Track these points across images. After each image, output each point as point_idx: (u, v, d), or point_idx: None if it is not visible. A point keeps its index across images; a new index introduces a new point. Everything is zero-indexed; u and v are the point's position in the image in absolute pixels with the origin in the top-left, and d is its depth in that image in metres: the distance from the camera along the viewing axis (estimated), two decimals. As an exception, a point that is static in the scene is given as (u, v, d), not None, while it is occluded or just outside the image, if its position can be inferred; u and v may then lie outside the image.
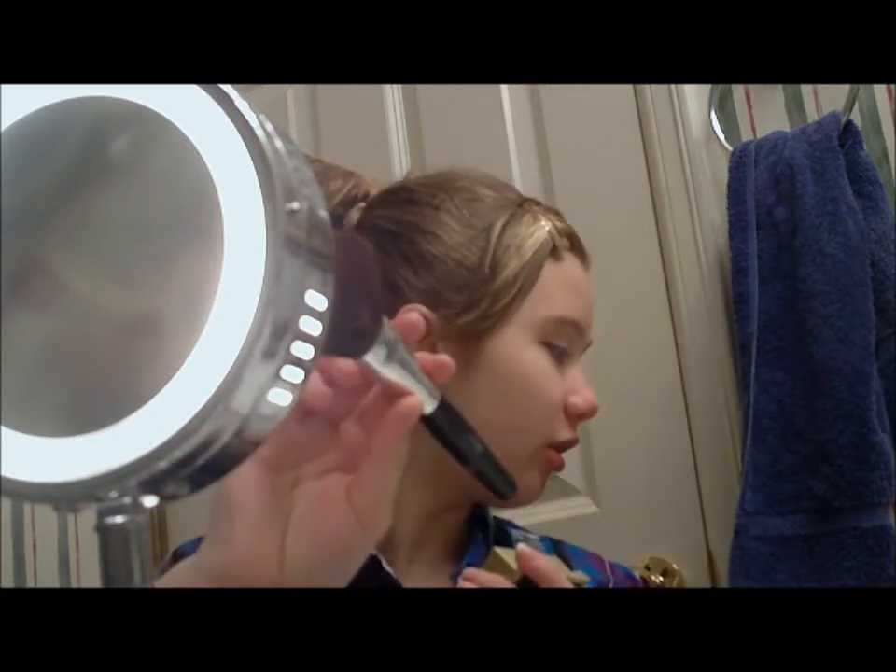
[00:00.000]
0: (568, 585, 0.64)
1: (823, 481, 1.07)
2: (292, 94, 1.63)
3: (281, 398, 0.29)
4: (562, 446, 0.70)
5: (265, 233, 0.28)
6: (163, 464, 0.27)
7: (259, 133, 0.29)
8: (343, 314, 0.34)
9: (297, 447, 0.43)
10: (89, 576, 1.59)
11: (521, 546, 0.64)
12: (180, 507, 1.45)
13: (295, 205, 0.28)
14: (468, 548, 0.72)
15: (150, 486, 0.28)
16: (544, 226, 0.71)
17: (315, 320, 0.29)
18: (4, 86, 0.32)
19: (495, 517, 0.77)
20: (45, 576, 1.74)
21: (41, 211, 0.31)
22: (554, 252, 0.70)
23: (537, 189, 1.34)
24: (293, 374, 0.29)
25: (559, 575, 0.64)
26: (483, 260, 0.68)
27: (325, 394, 0.43)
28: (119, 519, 0.28)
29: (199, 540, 0.70)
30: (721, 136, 1.27)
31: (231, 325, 0.27)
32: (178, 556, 0.70)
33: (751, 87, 1.28)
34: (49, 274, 0.30)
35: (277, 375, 0.28)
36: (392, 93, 1.52)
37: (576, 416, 0.70)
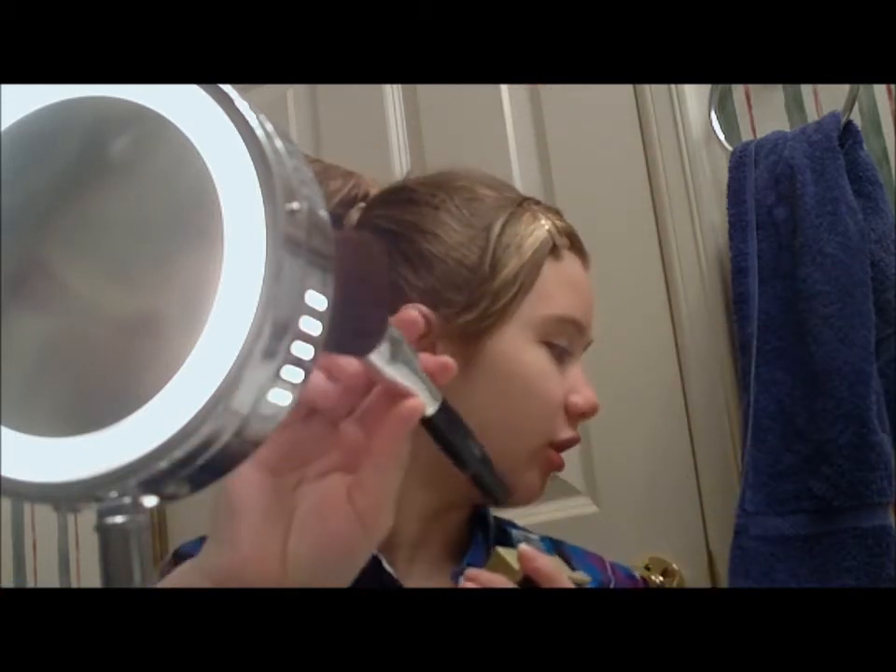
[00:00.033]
0: (570, 586, 0.64)
1: (823, 481, 1.07)
2: (292, 94, 1.63)
3: (281, 398, 0.29)
4: (562, 445, 0.70)
5: (265, 233, 0.28)
6: (163, 464, 0.27)
7: (259, 132, 0.29)
8: (349, 312, 0.34)
9: (298, 448, 0.43)
10: (89, 576, 1.59)
11: (523, 546, 0.64)
12: (180, 507, 1.45)
13: (295, 205, 0.28)
14: (468, 548, 0.72)
15: (150, 486, 0.28)
16: (544, 225, 0.71)
17: (314, 320, 0.29)
18: (4, 86, 0.32)
19: (495, 517, 0.77)
20: (45, 576, 1.74)
21: (41, 211, 0.31)
22: (554, 251, 0.70)
23: (537, 188, 1.34)
24: (293, 374, 0.29)
25: (561, 575, 0.64)
26: (483, 259, 0.68)
27: (329, 391, 0.43)
28: (119, 519, 0.28)
29: (199, 540, 0.70)
30: (721, 136, 1.27)
31: (231, 325, 0.27)
32: (178, 556, 0.70)
33: (751, 87, 1.28)
34: (48, 274, 0.30)
35: (277, 375, 0.28)
36: (392, 93, 1.52)
37: (576, 415, 0.70)
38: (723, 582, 1.15)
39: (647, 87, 1.30)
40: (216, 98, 0.30)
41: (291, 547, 0.42)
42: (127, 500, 0.28)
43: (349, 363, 0.42)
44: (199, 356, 0.27)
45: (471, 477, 0.49)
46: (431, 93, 1.47)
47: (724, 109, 1.29)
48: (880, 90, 1.19)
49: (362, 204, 0.73)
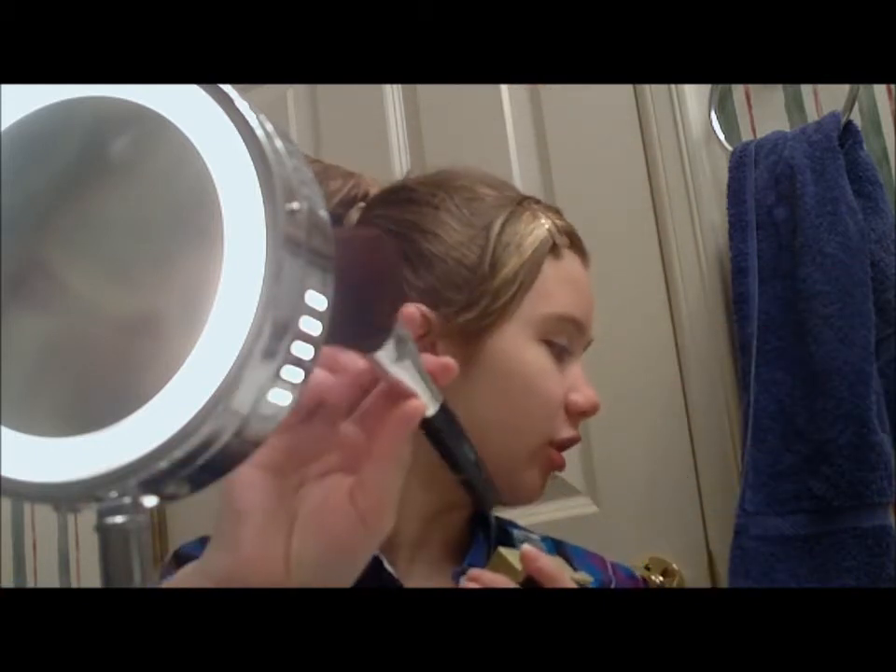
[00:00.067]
0: (573, 586, 0.64)
1: (823, 481, 1.07)
2: (292, 94, 1.63)
3: (281, 398, 0.29)
4: (563, 444, 0.70)
5: (265, 233, 0.28)
6: (163, 464, 0.27)
7: (259, 132, 0.29)
8: (360, 307, 0.35)
9: (300, 449, 0.43)
10: (89, 576, 1.59)
11: (525, 547, 0.64)
12: (180, 507, 1.45)
13: (295, 205, 0.28)
14: (469, 548, 0.72)
15: (150, 486, 0.28)
16: (544, 224, 0.71)
17: (314, 320, 0.29)
18: (4, 86, 0.32)
19: (496, 517, 0.77)
20: (45, 576, 1.74)
21: (41, 211, 0.31)
22: (554, 250, 0.70)
23: (537, 188, 1.34)
24: (293, 374, 0.29)
25: (563, 576, 0.64)
26: (483, 259, 0.68)
27: (337, 387, 0.43)
28: (119, 519, 0.28)
29: (200, 541, 0.70)
30: (721, 136, 1.27)
31: (231, 325, 0.27)
32: (179, 557, 0.70)
33: (751, 87, 1.28)
34: (49, 274, 0.30)
35: (277, 375, 0.28)
36: (392, 93, 1.52)
37: (577, 414, 0.70)
38: (723, 582, 1.15)
39: (647, 87, 1.30)
40: (216, 98, 0.30)
41: (294, 548, 0.42)
42: (127, 500, 0.28)
43: (355, 360, 0.42)
44: (199, 356, 0.27)
45: (463, 481, 0.49)
46: (431, 93, 1.47)
47: (724, 109, 1.29)
48: (880, 90, 1.19)
49: (362, 204, 0.73)
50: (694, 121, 1.28)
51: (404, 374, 0.41)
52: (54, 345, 0.30)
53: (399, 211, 0.71)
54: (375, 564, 0.66)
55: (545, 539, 0.79)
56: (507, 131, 1.41)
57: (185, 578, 0.46)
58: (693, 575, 1.21)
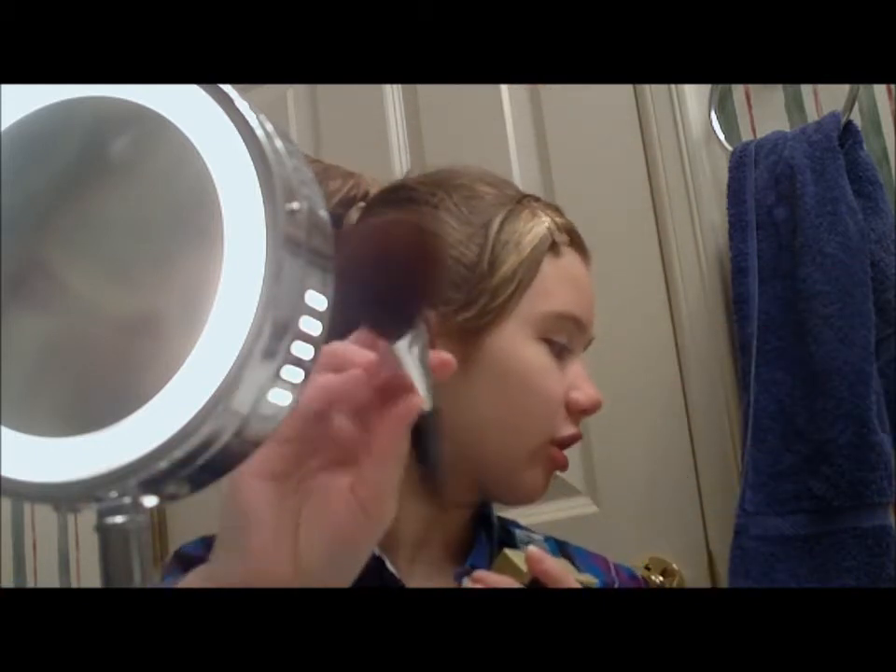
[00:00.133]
0: (578, 588, 0.64)
1: (823, 481, 1.07)
2: (292, 94, 1.63)
3: (281, 398, 0.29)
4: (564, 442, 0.70)
5: (265, 233, 0.28)
6: (163, 464, 0.27)
7: (259, 133, 0.29)
8: (398, 295, 0.35)
9: (302, 452, 0.44)
10: (89, 576, 1.59)
11: (531, 548, 0.64)
12: (180, 507, 1.45)
13: (295, 205, 0.28)
14: (471, 548, 0.72)
15: (150, 486, 0.28)
16: (543, 221, 0.71)
17: (314, 320, 0.29)
18: (4, 86, 0.32)
19: (498, 517, 0.77)
20: (45, 576, 1.74)
21: (41, 211, 0.31)
22: (554, 247, 0.70)
23: (537, 188, 1.34)
24: (293, 374, 0.29)
25: (569, 577, 0.63)
26: (482, 257, 0.68)
27: (346, 388, 0.43)
28: (119, 519, 0.28)
29: (201, 541, 0.70)
30: (721, 136, 1.27)
31: (231, 325, 0.27)
32: (179, 557, 0.70)
33: (751, 87, 1.28)
34: (49, 274, 0.30)
35: (277, 375, 0.28)
36: (392, 93, 1.52)
37: (578, 412, 0.70)
38: (723, 582, 1.15)
39: (647, 87, 1.30)
40: (216, 98, 0.30)
41: (301, 548, 0.43)
42: (127, 500, 0.28)
43: (361, 354, 0.43)
44: (199, 356, 0.27)
45: (423, 474, 0.49)
46: (431, 93, 1.47)
47: (724, 109, 1.29)
48: (880, 90, 1.19)
49: (362, 204, 0.73)
50: (694, 121, 1.28)
51: (411, 366, 0.41)
52: (54, 345, 0.30)
53: (399, 210, 0.71)
54: (377, 564, 0.66)
55: (548, 539, 0.79)
56: (507, 131, 1.41)
57: (192, 583, 0.46)
58: (692, 575, 1.21)
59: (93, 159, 0.31)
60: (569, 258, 0.72)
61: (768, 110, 1.26)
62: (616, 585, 0.76)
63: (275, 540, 0.42)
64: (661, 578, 1.21)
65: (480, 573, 0.63)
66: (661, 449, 1.25)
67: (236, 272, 0.28)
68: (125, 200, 0.30)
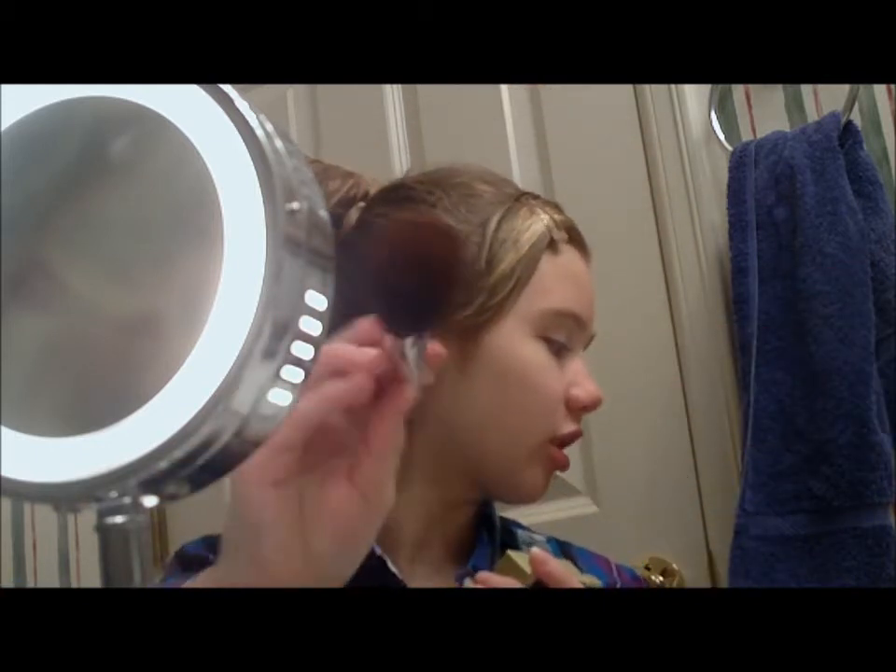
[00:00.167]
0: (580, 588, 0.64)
1: (823, 481, 1.07)
2: (292, 94, 1.63)
3: (281, 398, 0.29)
4: (564, 440, 0.69)
5: (265, 233, 0.28)
6: (163, 464, 0.27)
7: (259, 132, 0.29)
8: (423, 298, 0.36)
9: (300, 456, 0.44)
10: (89, 576, 1.59)
11: (535, 550, 0.63)
12: (180, 507, 1.45)
13: (295, 205, 0.28)
14: (473, 549, 0.72)
15: (150, 486, 0.28)
16: (542, 219, 0.70)
17: (314, 320, 0.29)
18: (4, 86, 0.32)
19: (501, 517, 0.77)
20: (45, 576, 1.74)
21: (41, 211, 0.31)
22: (552, 245, 0.70)
23: (537, 188, 1.33)
24: (293, 374, 0.29)
25: (572, 579, 0.63)
26: (480, 255, 0.68)
27: (353, 391, 0.44)
28: (119, 519, 0.28)
29: (203, 540, 0.70)
30: (721, 136, 1.27)
31: (231, 325, 0.27)
32: (181, 557, 0.70)
33: (751, 87, 1.28)
34: (49, 274, 0.30)
35: (277, 375, 0.28)
36: (392, 93, 1.52)
37: (578, 409, 0.70)
38: (723, 582, 1.15)
39: (647, 87, 1.30)
40: (216, 98, 0.30)
41: (308, 543, 0.44)
42: (127, 500, 0.28)
43: (364, 353, 0.43)
44: (199, 356, 0.27)
45: None
46: (431, 93, 1.47)
47: (724, 109, 1.29)
48: (880, 90, 1.19)
49: (362, 204, 0.73)
50: (694, 121, 1.28)
51: (411, 359, 0.42)
52: (54, 345, 0.30)
53: (397, 209, 0.71)
54: (379, 564, 0.66)
55: (550, 539, 0.79)
56: (507, 131, 1.41)
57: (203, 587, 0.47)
58: (692, 575, 1.21)
59: (93, 159, 0.31)
60: (568, 255, 0.71)
61: (768, 110, 1.27)
62: (618, 586, 0.76)
63: (287, 546, 0.43)
64: (661, 578, 1.21)
65: (483, 574, 0.62)
66: (661, 449, 1.25)
67: (236, 272, 0.28)
68: (125, 200, 0.30)
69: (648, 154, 1.30)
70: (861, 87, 1.17)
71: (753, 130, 1.27)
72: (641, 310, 1.28)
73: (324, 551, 0.44)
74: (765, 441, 1.12)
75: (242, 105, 0.29)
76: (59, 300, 0.30)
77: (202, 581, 0.48)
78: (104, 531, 0.28)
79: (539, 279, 0.69)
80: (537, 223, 0.70)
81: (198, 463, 0.27)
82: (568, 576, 0.63)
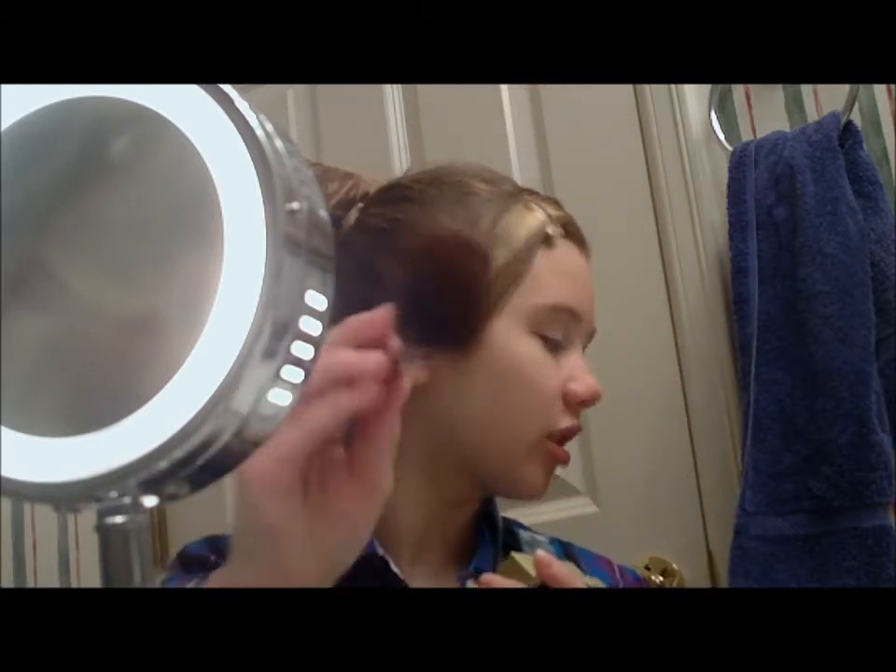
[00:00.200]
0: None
1: (823, 481, 1.07)
2: (292, 94, 1.63)
3: (281, 398, 0.29)
4: (563, 435, 0.69)
5: (265, 233, 0.28)
6: (163, 464, 0.27)
7: (259, 133, 0.29)
8: (461, 309, 0.37)
9: (309, 462, 0.45)
10: (89, 576, 1.59)
11: (539, 552, 0.63)
12: (180, 507, 1.45)
13: (295, 205, 0.28)
14: (475, 550, 0.71)
15: (150, 486, 0.28)
16: (536, 215, 0.70)
17: (314, 320, 0.29)
18: (4, 86, 0.32)
19: (503, 517, 0.76)
20: (45, 576, 1.74)
21: (41, 211, 0.31)
22: (547, 240, 0.69)
23: (536, 188, 1.33)
24: (293, 374, 0.29)
25: (577, 582, 0.63)
26: None
27: (364, 402, 0.45)
28: (119, 519, 0.28)
29: (205, 541, 0.70)
30: (721, 136, 1.27)
31: (231, 325, 0.27)
32: (184, 557, 0.70)
33: (751, 87, 1.28)
34: (49, 274, 0.30)
35: (277, 375, 0.28)
36: (392, 93, 1.52)
37: (577, 403, 0.69)
38: (723, 582, 1.15)
39: (647, 87, 1.30)
40: (216, 98, 0.30)
41: (322, 545, 0.45)
42: (127, 500, 0.28)
43: (371, 360, 0.44)
44: (199, 356, 0.27)
45: None
46: (431, 93, 1.47)
47: (724, 109, 1.29)
48: (880, 90, 1.19)
49: (361, 205, 0.73)
50: (694, 121, 1.28)
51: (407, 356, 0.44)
52: (54, 345, 0.30)
53: (393, 209, 0.71)
54: (381, 564, 0.66)
55: (553, 540, 0.78)
56: (507, 131, 1.41)
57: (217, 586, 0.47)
58: (692, 575, 1.21)
59: (93, 159, 0.31)
60: (564, 249, 0.71)
61: (768, 110, 1.27)
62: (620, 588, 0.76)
63: (302, 551, 0.44)
64: (661, 578, 1.21)
65: (487, 576, 0.62)
66: (661, 449, 1.25)
67: (236, 272, 0.28)
68: (125, 200, 0.30)
69: (648, 154, 1.30)
70: (861, 87, 1.17)
71: (753, 130, 1.27)
72: (641, 310, 1.28)
73: (333, 546, 0.45)
74: (765, 440, 1.12)
75: (242, 104, 0.29)
76: (59, 300, 0.30)
77: (213, 583, 0.48)
78: (104, 531, 0.28)
79: (533, 275, 0.68)
80: (531, 219, 0.70)
81: (198, 463, 0.27)
82: (573, 579, 0.62)
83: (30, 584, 1.74)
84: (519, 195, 0.71)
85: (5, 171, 0.31)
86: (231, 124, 0.29)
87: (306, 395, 0.42)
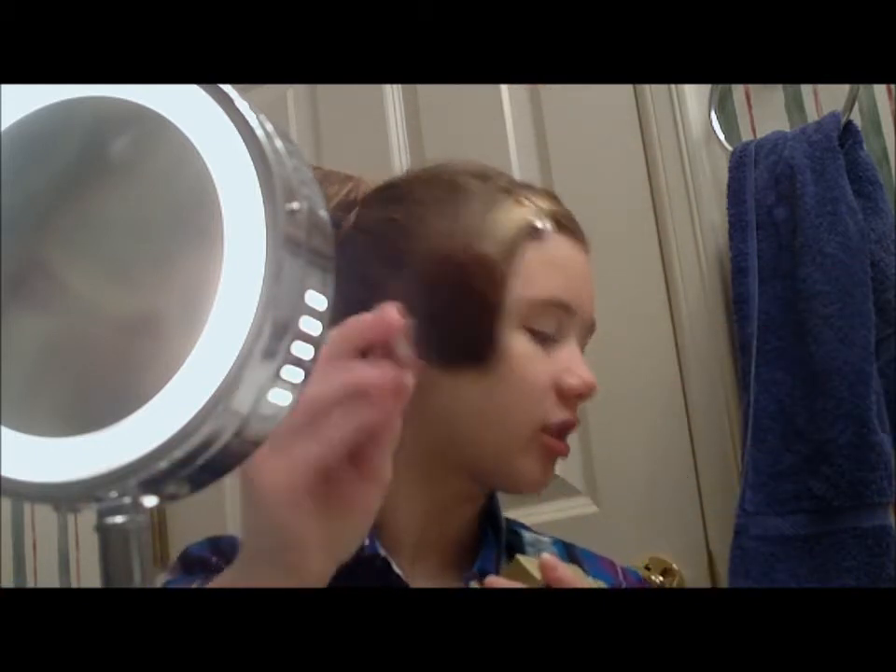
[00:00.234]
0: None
1: (823, 481, 1.07)
2: (292, 94, 1.63)
3: (281, 398, 0.29)
4: (557, 429, 0.68)
5: (265, 233, 0.28)
6: (163, 464, 0.27)
7: (259, 133, 0.29)
8: (472, 325, 0.38)
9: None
10: (89, 576, 1.59)
11: (545, 556, 0.62)
12: (180, 507, 1.45)
13: (295, 205, 0.28)
14: (478, 550, 0.71)
15: (150, 486, 0.28)
16: (524, 209, 0.69)
17: (314, 320, 0.29)
18: (4, 86, 0.32)
19: (506, 518, 0.76)
20: (45, 576, 1.74)
21: (41, 211, 0.31)
22: (535, 233, 0.68)
23: (537, 188, 1.34)
24: (293, 374, 0.29)
25: (582, 585, 0.63)
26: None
27: (384, 416, 0.46)
28: (119, 519, 0.28)
29: (208, 541, 0.70)
30: (721, 136, 1.27)
31: (231, 325, 0.27)
32: (186, 558, 0.70)
33: (751, 87, 1.28)
34: (49, 274, 0.30)
35: (277, 375, 0.28)
36: (392, 93, 1.52)
37: (572, 397, 0.68)
38: (723, 582, 1.15)
39: (647, 87, 1.30)
40: (216, 98, 0.30)
41: (335, 543, 0.46)
42: (127, 500, 0.28)
43: (388, 374, 0.45)
44: (199, 356, 0.27)
45: None
46: (431, 93, 1.47)
47: (724, 109, 1.29)
48: (880, 90, 1.19)
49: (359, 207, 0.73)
50: (694, 121, 1.28)
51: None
52: (54, 345, 0.30)
53: (384, 210, 0.71)
54: (384, 565, 0.66)
55: (556, 542, 0.78)
56: (507, 131, 1.41)
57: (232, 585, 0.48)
58: (692, 575, 1.21)
59: (93, 159, 0.31)
60: (555, 242, 0.70)
61: (768, 110, 1.27)
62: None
63: (319, 551, 0.45)
64: (661, 578, 1.21)
65: (492, 579, 0.62)
66: (661, 449, 1.25)
67: (236, 272, 0.28)
68: (125, 200, 0.30)
69: (648, 154, 1.30)
70: (861, 87, 1.17)
71: (753, 130, 1.27)
72: (641, 310, 1.28)
73: (343, 541, 0.46)
74: (765, 441, 1.12)
75: (242, 104, 0.29)
76: (59, 300, 0.30)
77: (221, 583, 0.48)
78: (104, 531, 0.28)
79: (521, 269, 0.67)
80: (518, 213, 0.69)
81: (198, 463, 0.27)
82: (578, 582, 0.62)
83: (30, 584, 1.74)
84: (511, 190, 0.71)
85: (5, 171, 0.31)
86: (231, 124, 0.29)
87: (326, 407, 0.43)
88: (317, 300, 0.29)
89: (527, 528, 0.78)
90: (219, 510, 1.42)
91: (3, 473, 0.29)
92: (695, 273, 1.25)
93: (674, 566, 1.22)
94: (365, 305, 0.46)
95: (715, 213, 1.25)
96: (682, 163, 1.27)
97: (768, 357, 1.14)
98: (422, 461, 0.68)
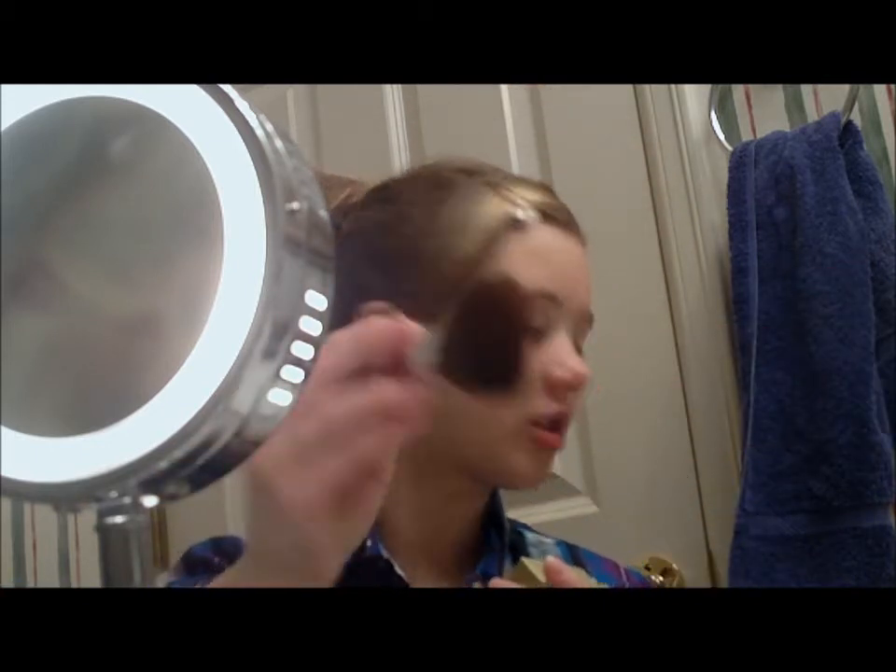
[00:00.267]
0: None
1: (823, 481, 1.07)
2: (292, 94, 1.63)
3: (281, 398, 0.29)
4: (549, 421, 0.67)
5: (265, 233, 0.28)
6: (163, 464, 0.27)
7: (259, 132, 0.29)
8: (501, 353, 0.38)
9: None
10: (89, 576, 1.59)
11: (550, 559, 0.62)
12: (180, 507, 1.45)
13: (295, 205, 0.28)
14: (481, 552, 0.71)
15: (150, 486, 0.28)
16: (505, 201, 0.68)
17: (314, 320, 0.29)
18: (4, 86, 0.32)
19: (509, 519, 0.75)
20: (45, 576, 1.74)
21: (41, 211, 0.31)
22: (517, 224, 0.67)
23: (537, 188, 1.34)
24: (293, 374, 0.29)
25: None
26: (444, 244, 0.67)
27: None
28: (119, 519, 0.28)
29: (210, 542, 0.70)
30: (721, 136, 1.27)
31: (231, 325, 0.27)
32: (188, 559, 0.70)
33: (751, 87, 1.28)
34: (49, 274, 0.30)
35: (277, 375, 0.28)
36: (392, 93, 1.53)
37: (562, 388, 0.67)
38: (723, 582, 1.15)
39: (647, 87, 1.30)
40: (216, 98, 0.30)
41: (349, 546, 0.46)
42: (127, 500, 0.28)
43: (413, 394, 0.45)
44: (199, 356, 0.27)
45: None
46: (431, 93, 1.47)
47: (724, 109, 1.29)
48: (880, 90, 1.19)
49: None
50: (694, 121, 1.28)
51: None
52: (54, 345, 0.30)
53: (373, 212, 0.71)
54: (386, 566, 0.66)
55: (559, 543, 0.78)
56: (507, 131, 1.41)
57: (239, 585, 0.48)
58: (692, 575, 1.21)
59: (93, 159, 0.31)
60: (540, 233, 0.68)
61: (768, 110, 1.27)
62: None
63: (333, 555, 0.45)
64: (661, 578, 1.21)
65: (497, 581, 0.62)
66: (661, 449, 1.25)
67: (236, 272, 0.28)
68: (125, 200, 0.30)
69: (648, 154, 1.30)
70: (861, 87, 1.17)
71: (753, 130, 1.27)
72: (641, 310, 1.28)
73: (351, 542, 0.46)
74: (765, 441, 1.12)
75: (242, 104, 0.29)
76: (59, 300, 0.30)
77: (225, 582, 0.48)
78: (104, 531, 0.28)
79: (503, 262, 0.66)
80: (496, 205, 0.68)
81: (198, 463, 0.27)
82: (583, 586, 0.62)
83: (30, 584, 1.74)
84: (497, 184, 0.70)
85: (5, 171, 0.31)
86: (231, 124, 0.29)
87: (355, 424, 0.43)
88: (317, 300, 0.29)
89: (530, 529, 0.78)
90: (219, 510, 1.42)
91: (3, 473, 0.29)
92: (695, 273, 1.25)
93: (674, 566, 1.22)
94: (355, 308, 0.47)
95: (715, 213, 1.25)
96: (682, 163, 1.27)
97: (768, 357, 1.14)
98: (420, 460, 0.68)
